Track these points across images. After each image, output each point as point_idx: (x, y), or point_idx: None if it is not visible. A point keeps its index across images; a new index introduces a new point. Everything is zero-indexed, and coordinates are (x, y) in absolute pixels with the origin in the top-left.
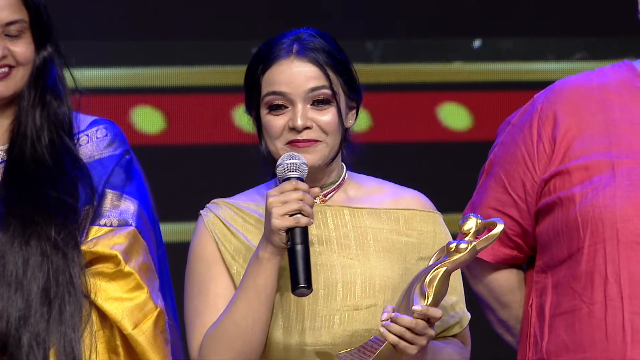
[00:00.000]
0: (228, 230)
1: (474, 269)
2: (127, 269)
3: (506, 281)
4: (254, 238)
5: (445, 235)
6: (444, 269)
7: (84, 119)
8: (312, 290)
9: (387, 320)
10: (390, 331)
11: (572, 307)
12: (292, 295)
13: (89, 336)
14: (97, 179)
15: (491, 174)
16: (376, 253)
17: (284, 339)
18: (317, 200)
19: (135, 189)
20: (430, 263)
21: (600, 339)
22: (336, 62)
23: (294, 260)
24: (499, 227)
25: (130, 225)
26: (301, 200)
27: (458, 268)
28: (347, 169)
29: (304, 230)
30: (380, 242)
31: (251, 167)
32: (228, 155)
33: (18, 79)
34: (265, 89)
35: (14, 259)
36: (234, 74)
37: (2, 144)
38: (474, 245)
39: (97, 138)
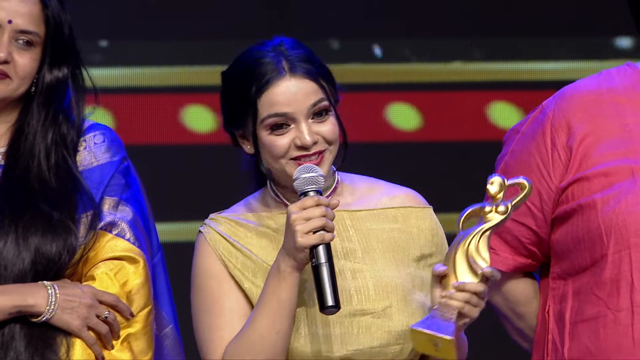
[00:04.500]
0: (232, 247)
1: None
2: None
3: (522, 292)
4: (259, 251)
5: (441, 230)
6: (489, 232)
7: (81, 124)
8: (339, 308)
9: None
10: (456, 299)
11: (596, 314)
12: (305, 304)
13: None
14: (96, 188)
15: None
16: (382, 254)
17: (303, 348)
18: None
19: (132, 196)
20: (462, 228)
21: (627, 346)
22: (323, 70)
23: (320, 280)
24: (528, 186)
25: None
26: (324, 216)
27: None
28: (335, 171)
29: (328, 246)
30: (383, 242)
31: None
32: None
33: (10, 88)
34: (265, 111)
35: (8, 272)
36: None
37: (1, 147)
38: (513, 206)
39: (94, 144)
